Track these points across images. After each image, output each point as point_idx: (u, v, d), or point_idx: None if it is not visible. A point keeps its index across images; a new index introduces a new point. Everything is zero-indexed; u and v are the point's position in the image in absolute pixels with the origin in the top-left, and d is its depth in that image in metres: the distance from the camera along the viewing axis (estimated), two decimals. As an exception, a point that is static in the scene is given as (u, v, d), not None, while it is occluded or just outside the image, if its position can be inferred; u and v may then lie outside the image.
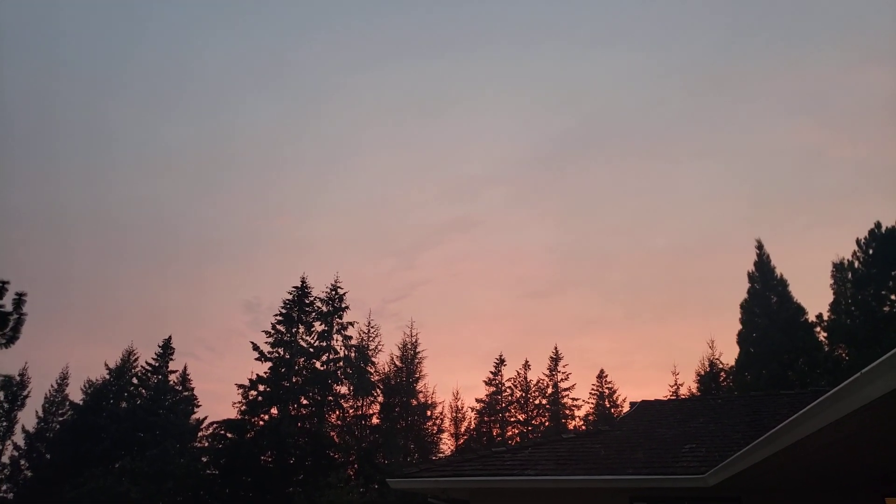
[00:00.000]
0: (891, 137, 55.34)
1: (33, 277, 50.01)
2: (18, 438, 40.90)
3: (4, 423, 40.75)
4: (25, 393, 42.14)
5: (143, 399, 41.79)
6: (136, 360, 44.68)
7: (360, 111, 62.44)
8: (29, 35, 56.79)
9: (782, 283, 34.80)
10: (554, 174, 64.32)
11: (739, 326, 34.85)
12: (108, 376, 43.21)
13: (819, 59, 52.91)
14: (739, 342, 34.48)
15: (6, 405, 40.94)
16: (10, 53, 53.55)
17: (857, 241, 32.76)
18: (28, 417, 48.12)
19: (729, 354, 48.68)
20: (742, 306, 35.25)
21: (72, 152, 60.69)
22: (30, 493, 37.51)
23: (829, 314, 33.15)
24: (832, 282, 33.98)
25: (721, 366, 39.14)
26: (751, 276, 35.91)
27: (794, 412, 5.13)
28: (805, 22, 55.17)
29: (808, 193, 58.77)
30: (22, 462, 40.26)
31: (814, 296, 74.76)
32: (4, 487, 39.35)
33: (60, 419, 42.97)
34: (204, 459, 34.95)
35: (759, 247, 36.54)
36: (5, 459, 39.97)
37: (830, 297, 33.69)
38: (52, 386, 44.39)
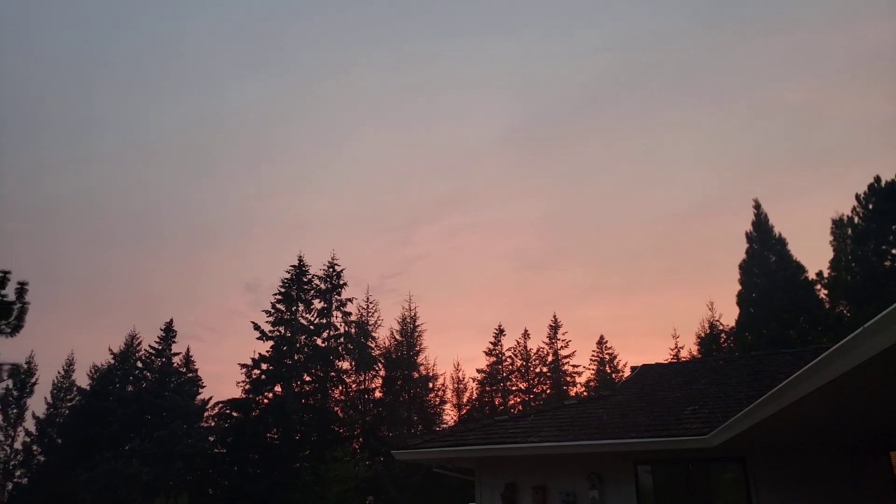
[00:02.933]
0: (888, 91, 54.76)
1: (33, 267, 49.91)
2: (30, 425, 41.33)
3: (15, 410, 41.10)
4: (33, 380, 42.42)
5: (148, 382, 42.03)
6: (139, 344, 44.87)
7: (351, 88, 61.68)
8: (3, 18, 55.77)
9: (781, 243, 34.76)
10: (545, 146, 63.84)
11: (739, 287, 34.90)
12: (112, 361, 43.42)
13: (813, 14, 52.18)
14: (739, 303, 34.55)
15: (15, 393, 41.24)
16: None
17: (857, 197, 32.60)
18: (37, 404, 48.51)
19: (729, 316, 48.89)
20: (741, 267, 35.26)
21: (60, 140, 59.99)
22: (43, 478, 37.89)
23: (829, 271, 33.13)
24: (832, 239, 33.92)
25: (721, 327, 39.31)
26: (749, 237, 35.87)
27: (796, 370, 5.09)
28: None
29: (806, 151, 58.26)
30: (34, 447, 40.65)
31: (813, 254, 74.73)
32: (19, 473, 39.82)
33: (69, 404, 43.29)
34: (211, 439, 35.28)
35: (757, 207, 36.46)
36: (18, 445, 40.43)
37: (830, 255, 33.66)
38: (58, 372, 44.71)
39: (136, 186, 61.47)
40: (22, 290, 22.81)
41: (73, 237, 62.89)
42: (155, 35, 58.76)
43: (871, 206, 31.90)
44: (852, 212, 32.83)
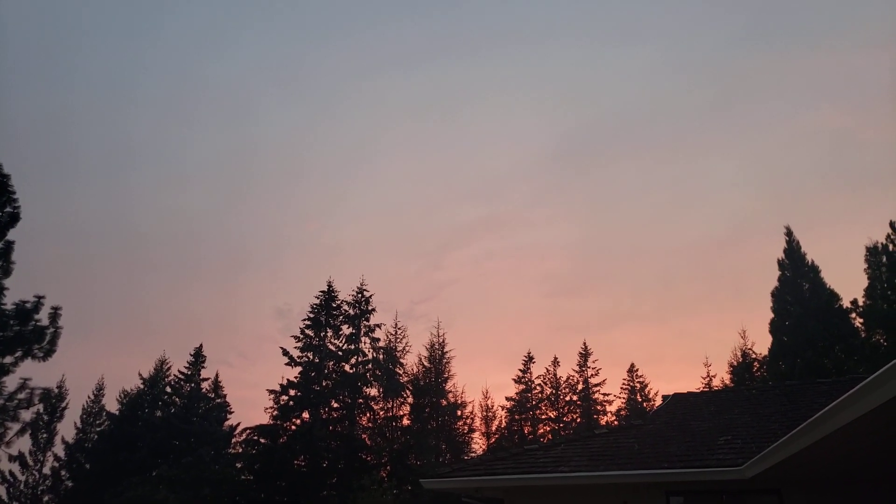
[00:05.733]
0: (922, 116, 53.86)
1: (66, 292, 51.00)
2: (59, 450, 41.76)
3: (45, 435, 41.58)
4: (63, 405, 42.97)
5: (176, 407, 42.33)
6: (168, 369, 45.32)
7: (380, 114, 62.74)
8: (44, 48, 57.81)
9: (814, 270, 34.15)
10: (578, 169, 63.99)
11: (771, 315, 34.31)
12: (142, 386, 43.88)
13: (844, 40, 51.88)
14: (772, 331, 33.90)
15: (46, 417, 41.77)
16: (25, 68, 54.50)
17: (892, 224, 32.02)
18: (67, 429, 49.11)
19: (762, 344, 47.99)
20: (773, 294, 34.65)
21: (95, 167, 61.80)
22: (71, 503, 38.17)
23: (864, 299, 32.45)
24: (866, 266, 33.26)
25: (754, 356, 38.56)
26: (781, 264, 35.29)
27: (833, 400, 5.00)
28: (827, 2, 54.12)
29: (838, 178, 57.66)
30: (63, 472, 41.01)
31: (847, 281, 73.31)
32: (47, 498, 40.14)
33: (98, 429, 43.73)
34: (238, 465, 35.31)
35: (789, 233, 35.90)
36: (47, 470, 40.81)
37: (865, 283, 32.99)
38: (88, 397, 45.25)
39: (169, 213, 62.81)
40: (55, 314, 23.23)
41: (106, 263, 64.29)
42: (188, 65, 60.42)
43: (906, 234, 31.29)
44: (887, 239, 32.25)
